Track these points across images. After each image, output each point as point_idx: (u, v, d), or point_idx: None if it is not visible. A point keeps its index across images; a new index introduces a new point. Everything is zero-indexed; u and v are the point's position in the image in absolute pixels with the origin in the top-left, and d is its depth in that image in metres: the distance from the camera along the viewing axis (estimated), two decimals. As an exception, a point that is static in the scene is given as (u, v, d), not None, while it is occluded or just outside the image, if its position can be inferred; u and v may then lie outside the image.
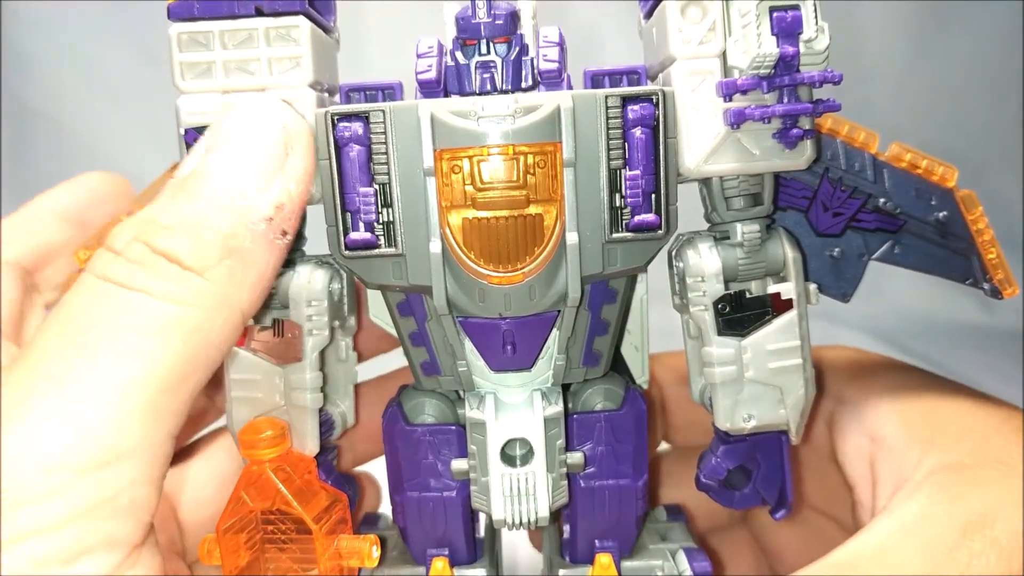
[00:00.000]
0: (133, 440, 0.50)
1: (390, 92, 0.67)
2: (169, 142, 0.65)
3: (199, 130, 0.62)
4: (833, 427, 0.71)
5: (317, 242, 0.69)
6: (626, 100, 0.59)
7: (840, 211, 0.70)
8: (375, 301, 0.72)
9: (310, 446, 0.66)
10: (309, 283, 0.65)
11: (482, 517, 0.74)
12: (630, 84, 0.67)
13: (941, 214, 0.68)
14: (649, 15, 0.68)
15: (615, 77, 0.67)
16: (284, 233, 0.57)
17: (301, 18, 0.62)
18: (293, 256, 0.67)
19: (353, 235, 0.60)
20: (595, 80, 0.66)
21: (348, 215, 0.60)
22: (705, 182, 0.66)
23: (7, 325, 0.66)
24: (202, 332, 0.53)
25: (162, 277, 0.52)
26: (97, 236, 0.72)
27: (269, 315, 0.67)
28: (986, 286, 0.69)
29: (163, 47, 0.63)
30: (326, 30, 0.67)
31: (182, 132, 0.63)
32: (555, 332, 0.63)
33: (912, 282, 0.69)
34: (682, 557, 0.69)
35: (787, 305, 0.65)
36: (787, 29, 0.60)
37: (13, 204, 0.73)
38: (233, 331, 0.55)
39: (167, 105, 0.64)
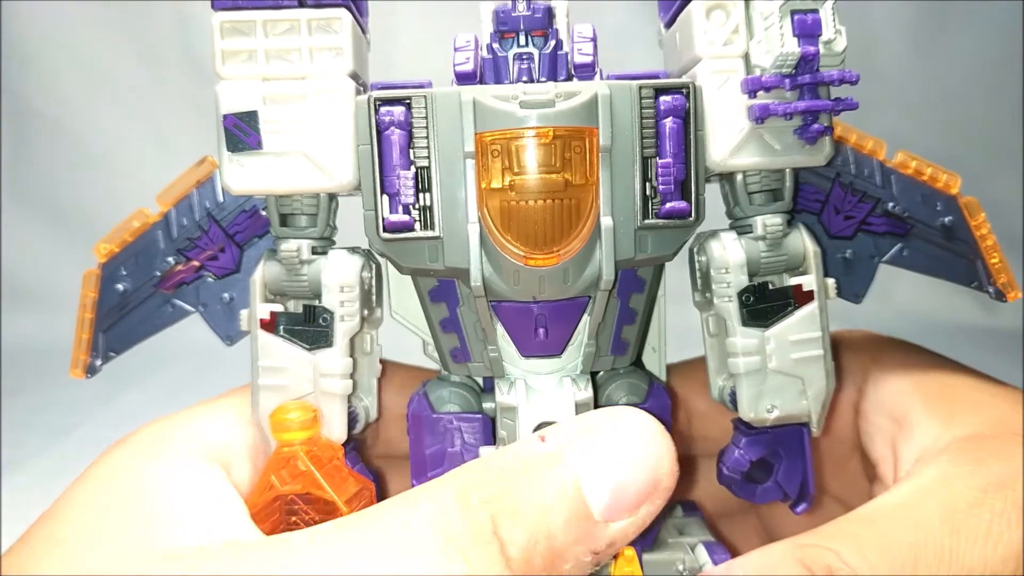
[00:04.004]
0: None
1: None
2: (168, 141, 0.65)
3: (238, 116, 0.64)
4: (857, 411, 0.73)
5: (345, 235, 0.70)
6: (658, 91, 0.62)
7: (851, 214, 0.72)
8: (397, 298, 0.72)
9: (338, 433, 0.66)
10: (342, 269, 0.65)
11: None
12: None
13: (947, 219, 0.72)
14: (670, 23, 0.71)
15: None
16: (596, 567, 0.54)
17: (343, 10, 0.64)
18: (324, 246, 0.67)
19: (391, 217, 0.61)
20: None
21: (386, 198, 0.61)
22: (728, 178, 0.68)
23: None
24: None
25: (484, 562, 0.50)
26: (120, 230, 0.72)
27: (298, 303, 0.67)
28: (991, 290, 0.72)
29: (163, 47, 0.64)
30: (361, 28, 0.69)
31: (221, 117, 0.64)
32: (586, 318, 0.64)
33: (913, 283, 0.72)
34: (702, 550, 0.69)
35: (808, 297, 0.67)
36: (807, 30, 0.63)
37: (13, 204, 0.73)
38: None
39: (167, 104, 0.65)
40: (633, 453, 0.54)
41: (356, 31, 0.66)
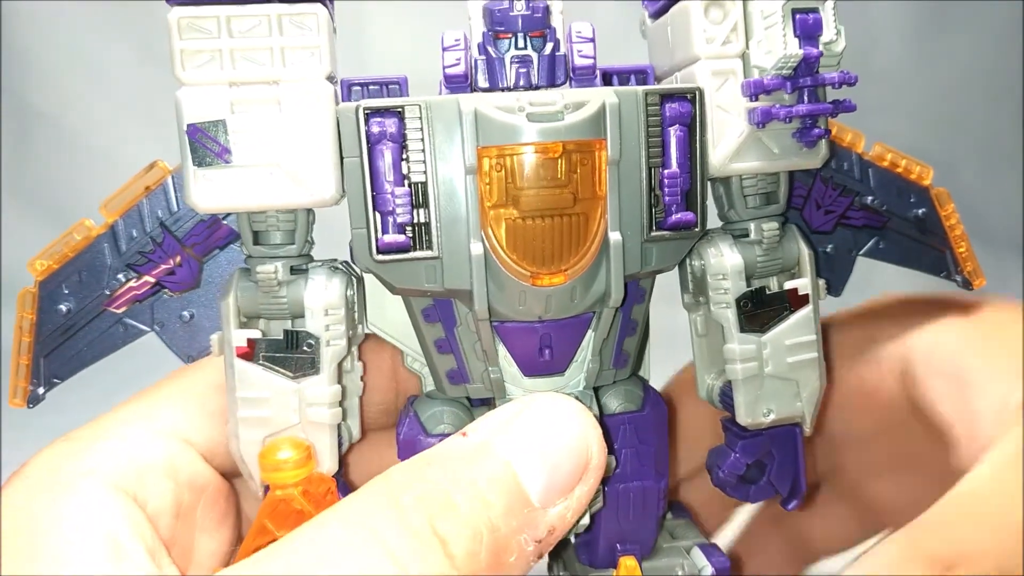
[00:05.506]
0: None
1: (395, 87, 0.63)
2: (169, 141, 0.59)
3: (204, 126, 0.57)
4: (909, 378, 0.72)
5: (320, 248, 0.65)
6: (663, 97, 0.59)
7: (831, 209, 0.72)
8: (373, 310, 0.68)
9: (328, 465, 0.61)
10: (326, 291, 0.60)
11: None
12: (638, 83, 0.67)
13: (920, 211, 0.72)
14: (657, 15, 0.68)
15: (623, 76, 0.67)
16: (539, 557, 0.53)
17: (318, 5, 0.57)
18: (303, 263, 0.62)
19: (386, 238, 0.56)
20: (604, 78, 0.66)
21: (378, 216, 0.57)
22: (724, 181, 0.66)
23: None
24: None
25: (427, 565, 0.48)
26: (59, 244, 0.65)
27: (279, 326, 0.62)
28: (958, 278, 0.73)
29: (163, 46, 0.57)
30: (330, 15, 0.62)
31: (184, 128, 0.57)
32: (590, 334, 0.62)
33: (910, 282, 0.71)
34: (699, 553, 0.69)
35: (803, 300, 0.66)
36: (809, 31, 0.62)
37: (13, 204, 0.65)
38: None
39: (167, 104, 0.58)
40: (559, 434, 0.54)
41: (331, 26, 0.59)
